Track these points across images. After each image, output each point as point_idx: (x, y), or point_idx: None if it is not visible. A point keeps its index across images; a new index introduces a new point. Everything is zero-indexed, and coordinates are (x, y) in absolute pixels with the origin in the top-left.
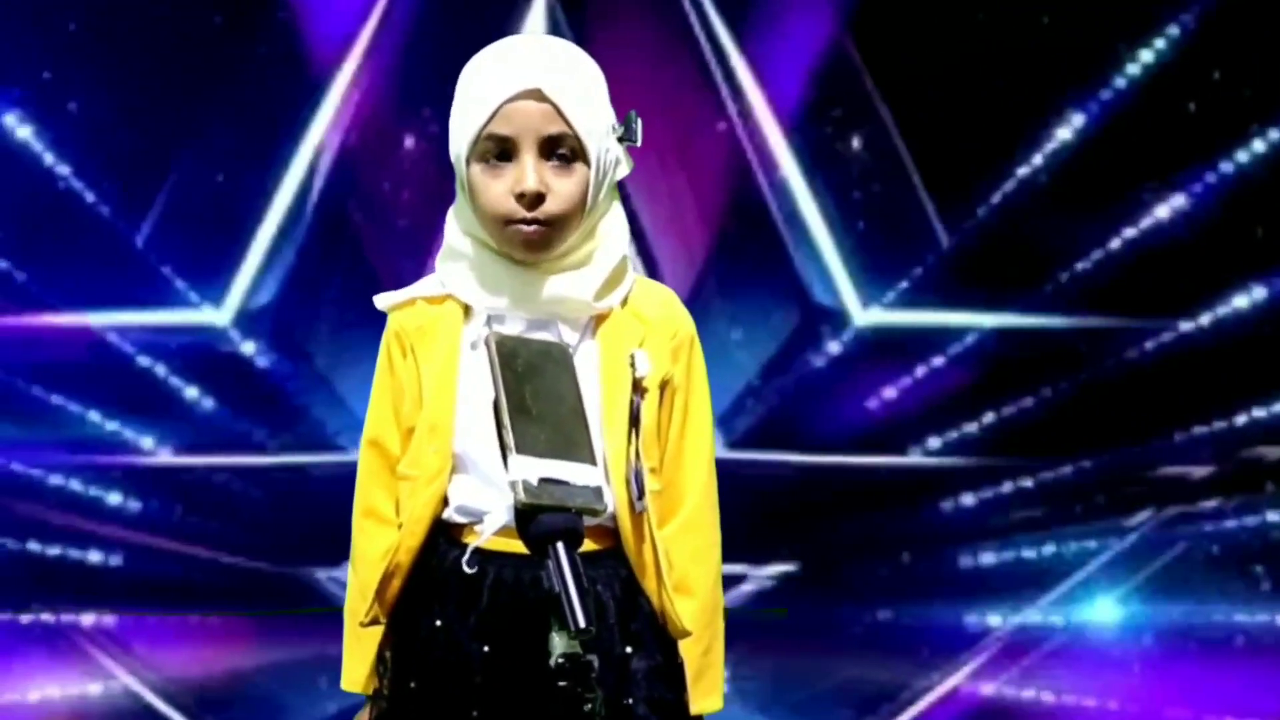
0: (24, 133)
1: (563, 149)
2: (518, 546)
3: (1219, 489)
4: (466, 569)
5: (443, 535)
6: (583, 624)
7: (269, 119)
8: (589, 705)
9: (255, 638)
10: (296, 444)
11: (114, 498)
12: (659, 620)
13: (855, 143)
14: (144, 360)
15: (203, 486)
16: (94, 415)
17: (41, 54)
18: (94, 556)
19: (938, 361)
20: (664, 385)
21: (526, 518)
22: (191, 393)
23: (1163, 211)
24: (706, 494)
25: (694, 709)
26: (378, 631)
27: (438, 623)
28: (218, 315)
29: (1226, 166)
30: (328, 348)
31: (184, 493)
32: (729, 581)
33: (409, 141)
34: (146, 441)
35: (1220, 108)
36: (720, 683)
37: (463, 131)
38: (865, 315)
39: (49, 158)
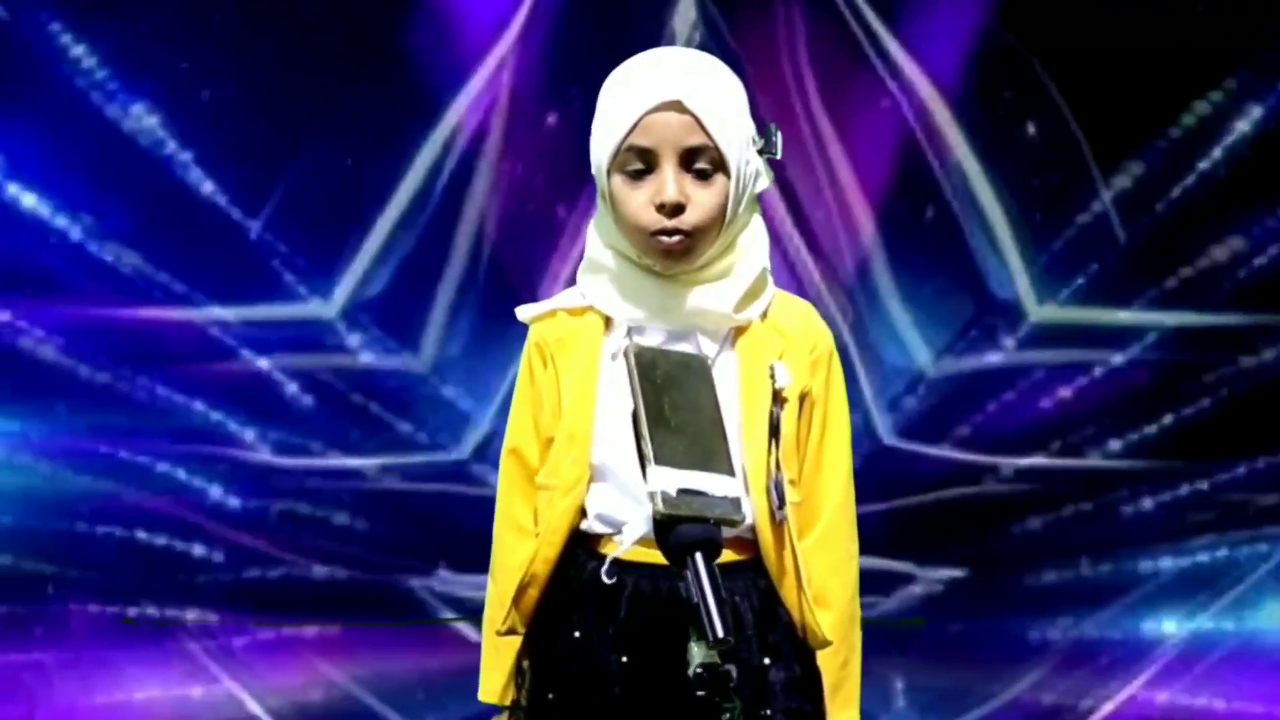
0: (149, 122)
1: (703, 160)
2: (656, 557)
3: None
4: (605, 580)
5: (580, 546)
6: (721, 634)
7: (408, 105)
8: (727, 715)
9: (351, 648)
10: (397, 444)
11: (215, 491)
12: (797, 631)
13: (1030, 129)
14: (248, 353)
15: (298, 489)
16: (199, 405)
17: (183, 43)
18: (198, 550)
19: (1115, 360)
20: (803, 397)
21: (665, 528)
22: (293, 388)
23: (1221, 255)
24: (844, 507)
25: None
26: (515, 642)
27: (576, 634)
28: (325, 308)
29: None
30: (437, 342)
31: (281, 494)
32: (896, 581)
33: (544, 125)
34: (249, 436)
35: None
36: (857, 695)
37: (604, 143)
38: (1040, 311)
39: (170, 146)
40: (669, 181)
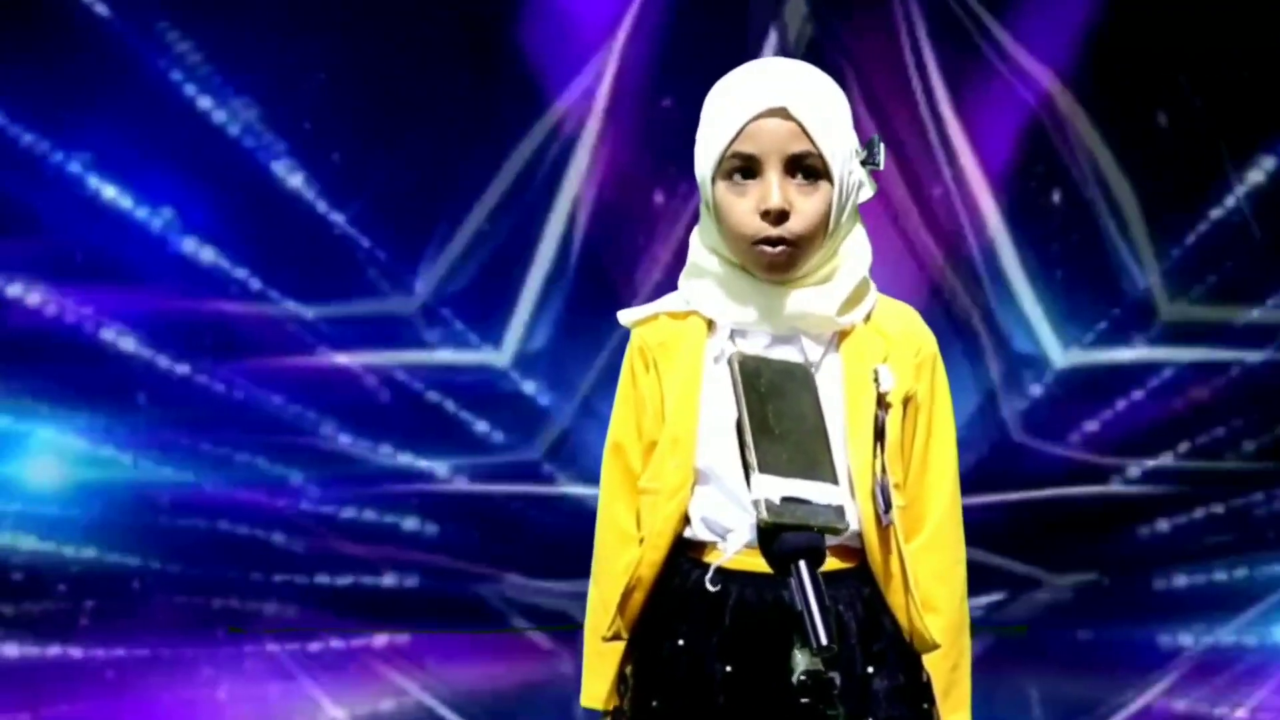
0: (295, 181)
1: (807, 168)
2: (760, 565)
3: None
4: (710, 588)
5: (684, 552)
6: (825, 641)
7: (524, 170)
8: None
9: (545, 653)
10: (470, 443)
11: (295, 481)
12: (902, 638)
13: (1055, 196)
14: (433, 396)
15: (372, 489)
16: (386, 449)
17: (287, 36)
18: (278, 538)
19: (1249, 359)
20: (907, 401)
21: (769, 536)
22: (481, 427)
23: None
24: (950, 512)
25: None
26: (618, 648)
27: (680, 642)
28: (406, 304)
29: None
30: (519, 338)
31: (478, 518)
32: (1019, 583)
33: (659, 196)
34: (441, 469)
35: None
36: (968, 699)
37: (708, 150)
38: (1172, 308)
39: (322, 205)
40: (773, 188)
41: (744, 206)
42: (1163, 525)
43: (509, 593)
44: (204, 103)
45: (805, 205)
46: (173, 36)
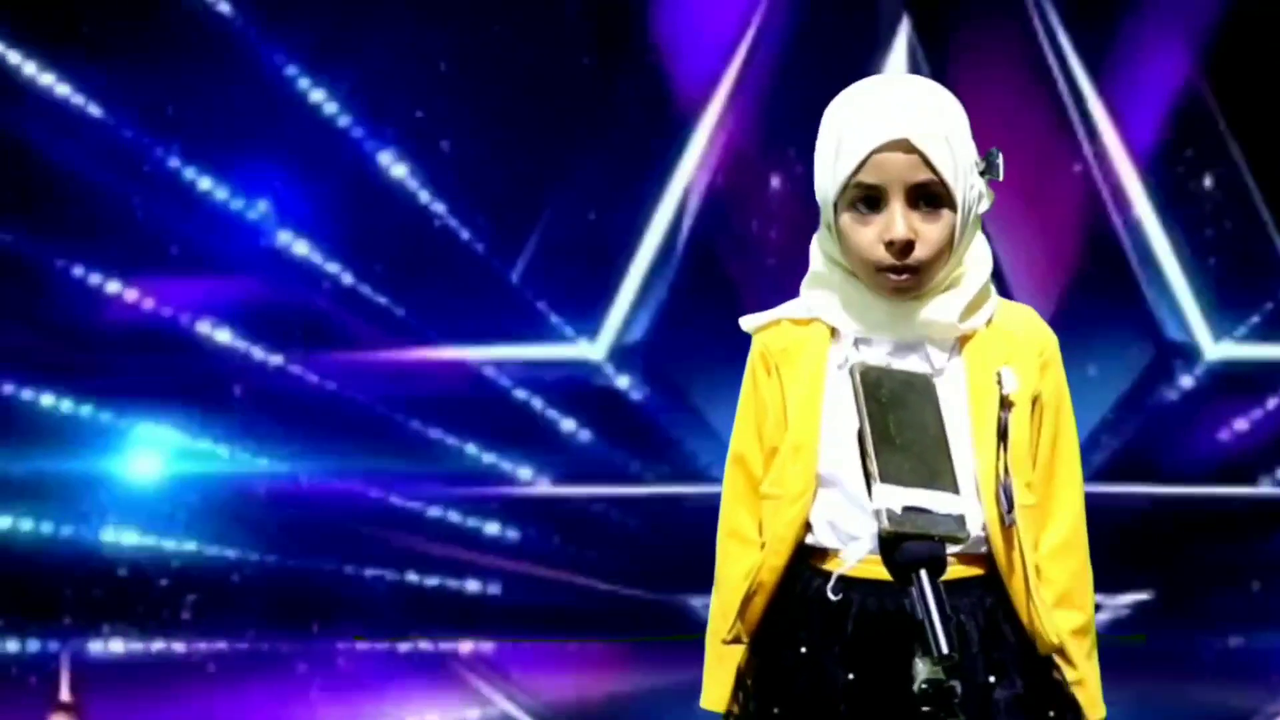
0: (399, 171)
1: (930, 195)
2: (881, 573)
3: None
4: (831, 596)
5: (805, 559)
6: (946, 650)
7: (638, 158)
8: None
9: (630, 663)
10: (671, 475)
11: (492, 528)
12: (1023, 647)
13: (1207, 181)
14: (520, 394)
15: (579, 516)
16: (471, 448)
17: (412, 93)
18: (472, 585)
19: None
20: (1034, 400)
21: (890, 545)
22: (568, 425)
23: None
24: (1080, 509)
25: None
26: (737, 652)
27: (803, 649)
28: (592, 350)
29: None
30: (700, 382)
31: (561, 522)
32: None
33: (775, 180)
34: (524, 472)
35: None
36: (1100, 693)
37: (831, 177)
38: (1217, 349)
39: (424, 196)
40: (897, 219)
41: (869, 236)
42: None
43: (592, 601)
44: (364, 159)
45: (929, 232)
46: (286, 29)
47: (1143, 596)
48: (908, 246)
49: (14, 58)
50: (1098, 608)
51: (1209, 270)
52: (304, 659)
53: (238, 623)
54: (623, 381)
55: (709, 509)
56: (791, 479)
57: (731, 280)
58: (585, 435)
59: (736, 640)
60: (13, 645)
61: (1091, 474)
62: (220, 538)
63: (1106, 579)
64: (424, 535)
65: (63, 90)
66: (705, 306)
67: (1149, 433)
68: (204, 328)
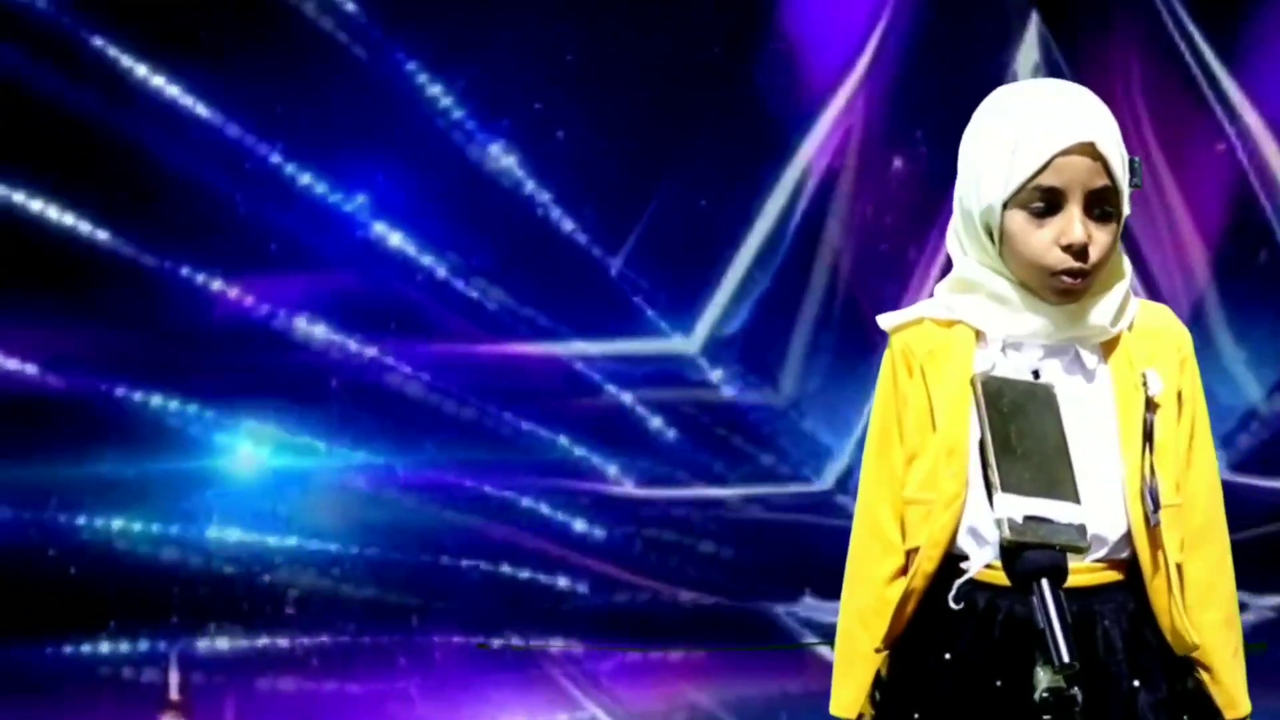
0: (508, 161)
1: (1105, 203)
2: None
3: None
4: (953, 605)
5: (953, 565)
6: (1066, 659)
7: (756, 148)
8: None
9: (715, 673)
10: (758, 475)
11: (580, 524)
12: (1165, 650)
13: (1262, 255)
14: (612, 388)
15: (663, 518)
16: (564, 440)
17: (536, 85)
18: (562, 582)
19: None
20: (1178, 397)
21: (1012, 555)
22: (656, 423)
23: None
24: (1218, 502)
25: (1230, 715)
26: (872, 656)
27: (947, 655)
28: (687, 344)
29: None
30: (796, 378)
31: (646, 523)
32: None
33: (894, 167)
34: (612, 470)
35: None
36: (1244, 685)
37: (1004, 178)
38: (1269, 403)
39: (530, 185)
40: (1075, 223)
41: (1043, 237)
42: None
43: (802, 612)
44: (473, 151)
45: (1101, 237)
46: (423, 79)
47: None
48: (1083, 251)
49: (126, 61)
50: (1244, 607)
51: (1258, 335)
52: (404, 653)
53: (339, 617)
54: (715, 375)
55: (798, 510)
56: (945, 483)
57: (838, 271)
58: (672, 433)
59: (887, 647)
60: (124, 646)
61: (1237, 464)
62: (320, 532)
63: (1253, 578)
64: (516, 526)
65: (172, 91)
66: (807, 299)
67: None
68: (301, 323)
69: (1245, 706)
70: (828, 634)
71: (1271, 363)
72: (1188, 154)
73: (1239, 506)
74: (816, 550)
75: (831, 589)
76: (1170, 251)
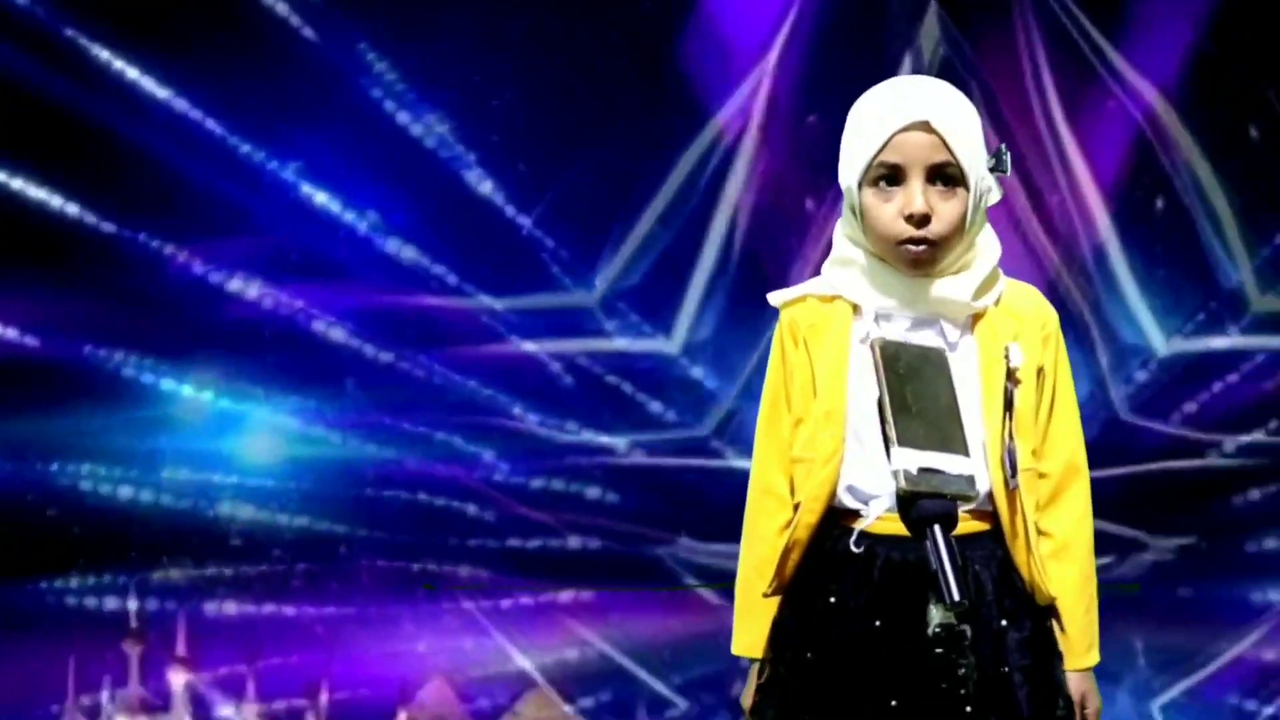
0: (440, 128)
1: (946, 176)
2: (902, 528)
3: None
4: (854, 549)
5: (835, 517)
6: (957, 598)
7: (671, 116)
8: (962, 670)
9: (603, 610)
10: (645, 422)
11: (488, 457)
12: (1029, 593)
13: (1159, 203)
14: (515, 338)
15: (554, 466)
16: (472, 384)
17: (476, 58)
18: (471, 510)
19: (1231, 379)
20: (1039, 372)
21: (907, 503)
22: (556, 369)
23: None
24: (1077, 469)
25: (1079, 664)
26: (773, 603)
27: (833, 600)
28: (587, 297)
29: None
30: (688, 327)
31: (539, 470)
32: (1129, 546)
33: (801, 132)
34: (516, 410)
35: None
36: (1097, 638)
37: (856, 159)
38: (1263, 301)
39: (457, 149)
40: (917, 195)
41: (890, 211)
42: (1255, 494)
43: (682, 554)
44: (404, 118)
45: (945, 209)
46: (373, 58)
47: (1185, 541)
48: (925, 220)
49: (148, 84)
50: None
51: (1159, 279)
52: (411, 620)
53: (345, 590)
54: (610, 326)
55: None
56: (823, 443)
57: (738, 226)
58: (569, 380)
59: (775, 593)
60: (133, 603)
61: (1136, 406)
62: (330, 514)
63: (1145, 519)
64: (430, 459)
65: (131, 73)
66: (705, 252)
67: (1195, 374)
68: (319, 326)
69: (1092, 658)
70: (705, 575)
71: (1172, 306)
72: (1084, 114)
73: (1137, 446)
74: (694, 494)
75: (707, 531)
76: (1071, 202)
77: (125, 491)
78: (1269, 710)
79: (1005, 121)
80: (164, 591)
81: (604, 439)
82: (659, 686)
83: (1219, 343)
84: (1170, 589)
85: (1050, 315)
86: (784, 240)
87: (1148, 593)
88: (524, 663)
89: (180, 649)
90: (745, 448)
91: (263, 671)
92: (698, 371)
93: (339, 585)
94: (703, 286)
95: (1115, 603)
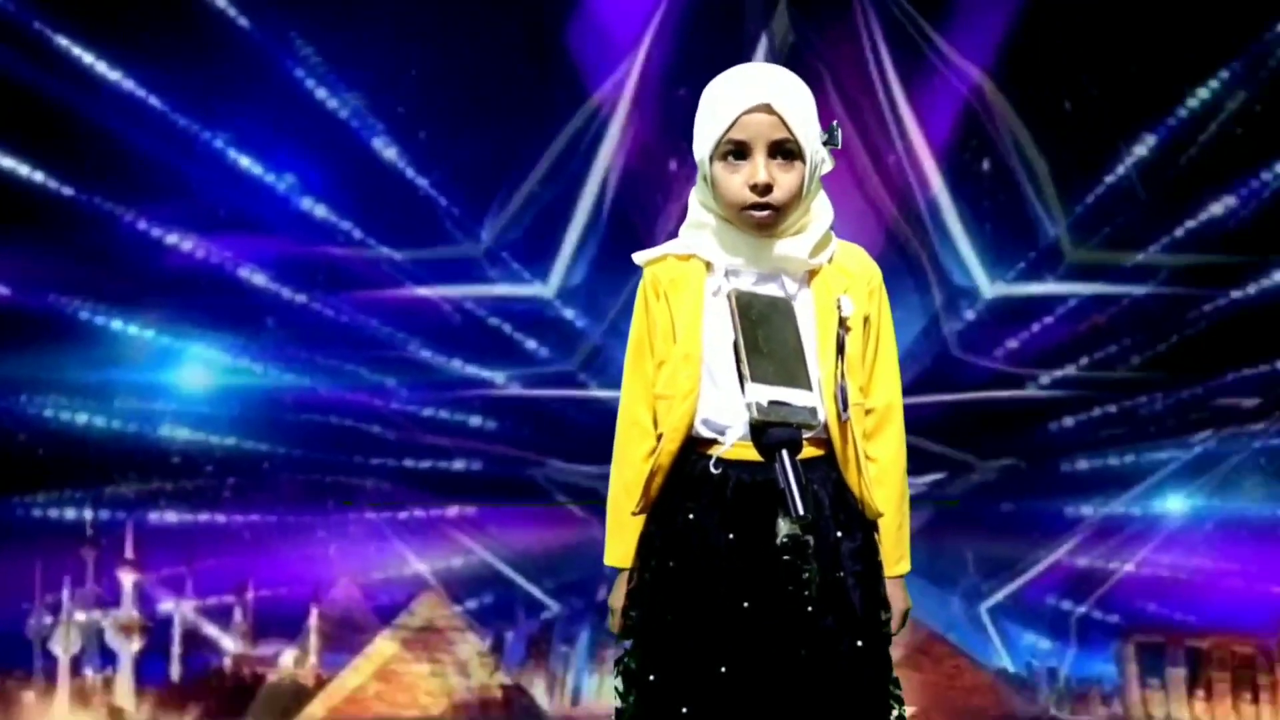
0: (354, 104)
1: (785, 150)
2: (752, 454)
3: (1264, 414)
4: (713, 471)
5: (692, 445)
6: (802, 512)
7: (555, 92)
8: (806, 574)
9: (484, 523)
10: (521, 358)
11: (389, 384)
12: (860, 510)
13: (985, 165)
14: (410, 284)
15: (440, 398)
16: (374, 323)
17: (390, 42)
18: (375, 429)
19: (1135, 292)
20: (865, 320)
21: (759, 431)
22: (446, 311)
23: (1217, 209)
24: (896, 405)
25: (892, 571)
26: (640, 520)
27: (691, 516)
28: (476, 248)
29: (1266, 175)
30: (563, 274)
31: (429, 401)
32: (955, 466)
33: (667, 106)
34: (411, 347)
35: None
36: (908, 550)
37: (707, 136)
38: (1076, 253)
39: (367, 120)
40: (760, 167)
41: (737, 181)
42: (1068, 421)
43: (553, 474)
44: (321, 94)
45: (784, 179)
46: (299, 43)
47: (1006, 462)
48: (768, 189)
49: (101, 68)
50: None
51: (986, 233)
52: (323, 528)
53: (268, 500)
54: (494, 273)
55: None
56: (682, 382)
57: (641, 240)
58: (457, 319)
59: (641, 512)
60: (88, 514)
61: (964, 342)
62: (255, 435)
63: (971, 442)
64: (341, 384)
65: (141, 93)
66: (579, 207)
67: (942, 355)
68: (244, 272)
69: (903, 567)
70: (573, 493)
71: (996, 256)
72: (916, 90)
73: (965, 377)
74: (563, 421)
75: (575, 454)
76: (908, 164)
77: (81, 418)
78: (1082, 609)
79: (850, 97)
80: (114, 503)
81: (486, 373)
82: (534, 591)
83: (1037, 288)
84: (995, 505)
85: (875, 272)
86: (650, 199)
87: (976, 508)
88: (419, 568)
89: (129, 553)
90: (609, 380)
91: (199, 572)
92: (569, 313)
93: (262, 496)
94: (576, 239)
95: (947, 517)
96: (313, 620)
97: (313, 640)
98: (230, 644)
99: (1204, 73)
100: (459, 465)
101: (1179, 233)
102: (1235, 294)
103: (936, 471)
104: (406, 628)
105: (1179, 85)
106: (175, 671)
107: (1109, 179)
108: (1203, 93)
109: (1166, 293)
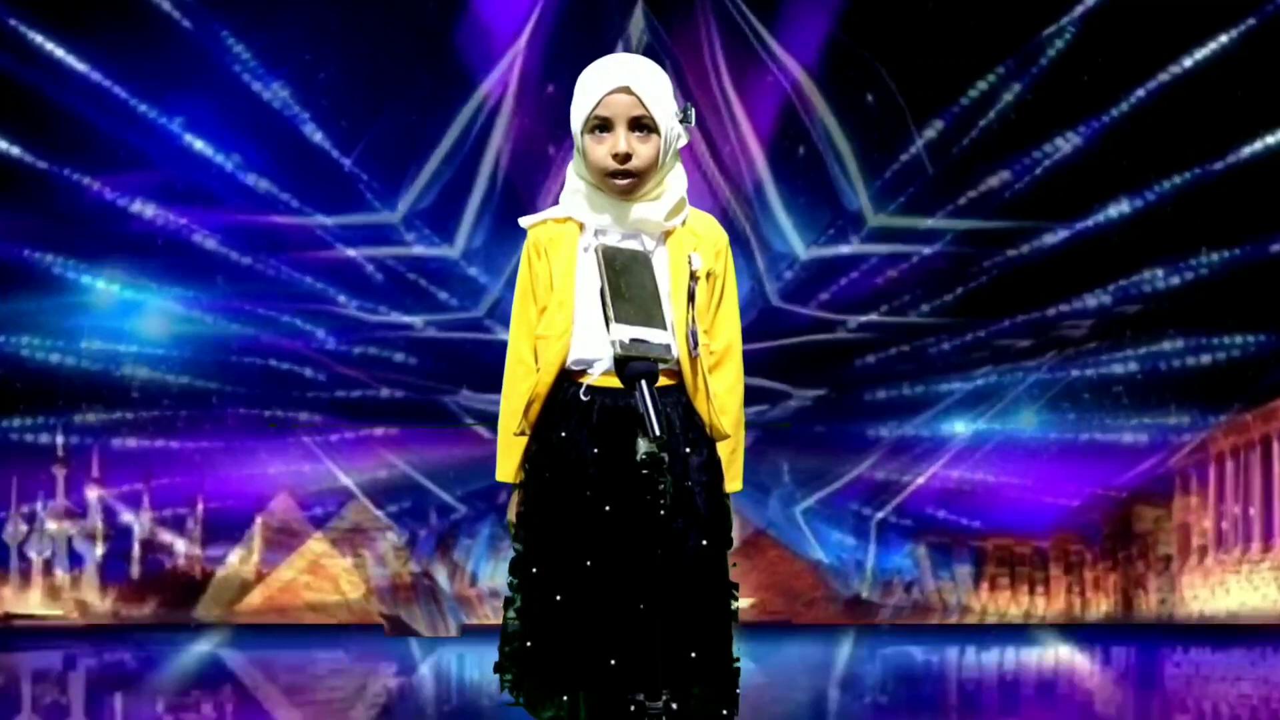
0: (283, 94)
1: (643, 126)
2: (616, 383)
3: (1036, 354)
4: (583, 398)
5: (566, 377)
6: (658, 433)
7: (452, 82)
8: (661, 485)
9: (405, 442)
10: (435, 306)
11: (320, 334)
12: (706, 431)
13: (801, 149)
14: (340, 245)
15: (370, 337)
16: (309, 280)
17: (309, 42)
18: (309, 373)
19: (925, 251)
20: (710, 275)
21: (621, 364)
22: (370, 270)
23: (994, 182)
24: (735, 347)
25: (727, 489)
26: (522, 441)
27: (563, 434)
28: (392, 216)
29: (1036, 154)
30: (466, 237)
31: (359, 340)
32: (778, 396)
33: (545, 95)
34: (341, 299)
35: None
36: (741, 469)
37: (578, 113)
38: (876, 218)
39: (295, 109)
40: (621, 140)
41: (602, 151)
42: (870, 359)
43: (463, 401)
44: (258, 86)
45: (642, 150)
46: (232, 42)
47: (819, 392)
48: (627, 158)
49: (71, 60)
50: (788, 396)
51: (802, 205)
52: (264, 451)
53: (216, 430)
54: (410, 237)
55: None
56: (557, 324)
57: (527, 209)
58: (380, 278)
59: (523, 433)
60: (60, 438)
61: (784, 295)
62: (204, 375)
63: (790, 377)
64: (279, 334)
65: (106, 83)
66: (477, 183)
67: (830, 275)
68: (198, 237)
69: (736, 486)
70: (479, 416)
71: (810, 224)
72: (747, 84)
73: (786, 324)
74: (471, 358)
75: (481, 385)
76: (737, 148)
77: (54, 357)
78: (880, 514)
79: (690, 89)
80: (82, 430)
81: (405, 319)
82: (445, 496)
83: (844, 249)
84: (809, 427)
85: (722, 236)
86: (533, 176)
87: (794, 430)
88: (346, 480)
89: (94, 472)
90: (508, 325)
91: (155, 489)
92: (473, 270)
93: (211, 426)
94: (476, 209)
95: (769, 437)
96: (256, 528)
97: (256, 543)
98: (183, 547)
99: (984, 68)
100: (385, 394)
101: (962, 201)
102: (1010, 253)
103: (764, 401)
104: (337, 529)
105: (963, 79)
106: (135, 571)
107: (904, 157)
108: (982, 85)
109: (952, 251)
